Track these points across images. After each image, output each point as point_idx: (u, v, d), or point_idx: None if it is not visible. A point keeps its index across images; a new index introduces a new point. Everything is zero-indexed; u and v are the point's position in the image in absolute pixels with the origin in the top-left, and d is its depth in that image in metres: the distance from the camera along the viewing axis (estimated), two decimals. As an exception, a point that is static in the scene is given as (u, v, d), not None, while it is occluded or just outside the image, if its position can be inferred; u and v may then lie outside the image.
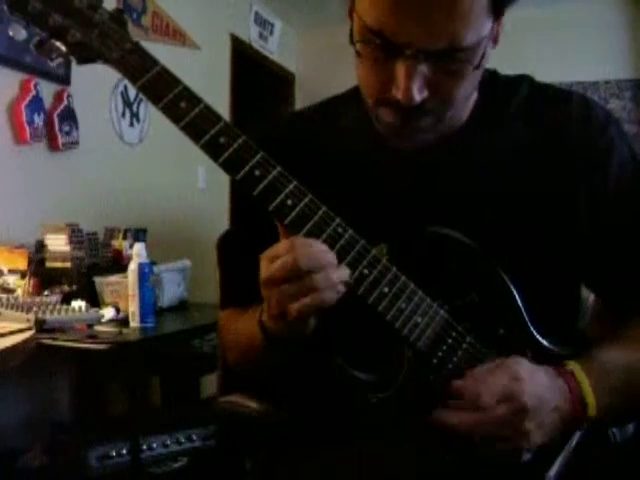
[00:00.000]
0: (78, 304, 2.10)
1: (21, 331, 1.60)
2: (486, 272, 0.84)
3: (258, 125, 1.00)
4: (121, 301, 2.20)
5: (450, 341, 0.82)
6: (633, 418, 0.88)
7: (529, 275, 0.84)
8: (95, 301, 2.25)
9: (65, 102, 2.59)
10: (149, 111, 3.14)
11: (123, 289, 2.18)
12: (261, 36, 4.45)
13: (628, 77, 4.34)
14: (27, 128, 2.40)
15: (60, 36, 0.76)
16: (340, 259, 0.76)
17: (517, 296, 0.84)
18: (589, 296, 1.00)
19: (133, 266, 2.10)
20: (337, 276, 0.74)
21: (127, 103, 3.06)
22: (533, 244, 0.87)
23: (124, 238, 2.59)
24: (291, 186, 0.76)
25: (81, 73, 2.61)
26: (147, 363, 2.48)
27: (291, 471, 0.98)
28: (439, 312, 0.81)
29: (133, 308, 2.09)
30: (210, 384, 2.70)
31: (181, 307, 2.59)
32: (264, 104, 4.58)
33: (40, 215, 2.43)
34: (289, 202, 0.76)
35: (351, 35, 0.81)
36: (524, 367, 0.78)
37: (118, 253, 2.53)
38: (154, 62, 0.77)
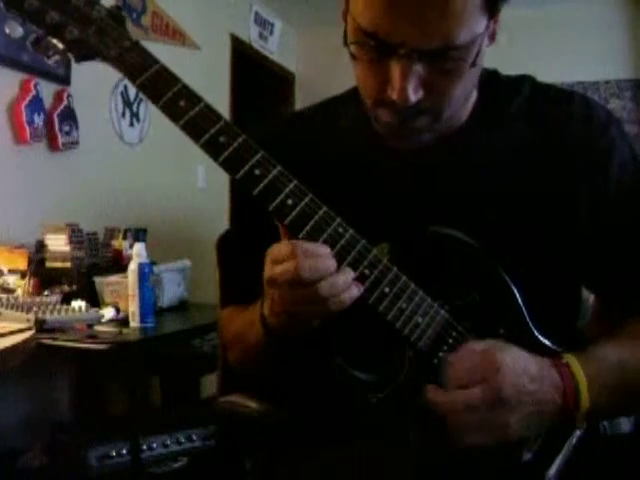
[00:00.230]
0: (78, 304, 2.10)
1: (21, 331, 1.60)
2: (487, 272, 0.84)
3: (258, 125, 1.00)
4: (121, 301, 2.20)
5: (451, 341, 0.81)
6: (625, 413, 0.88)
7: (530, 275, 0.84)
8: (95, 301, 2.25)
9: (65, 102, 2.59)
10: (149, 111, 3.14)
11: (123, 289, 2.18)
12: (261, 36, 4.45)
13: (628, 77, 4.34)
14: (27, 128, 2.40)
15: (57, 33, 0.75)
16: (341, 259, 0.76)
17: (518, 296, 0.84)
18: (589, 296, 1.00)
19: (133, 266, 2.10)
20: (343, 281, 0.74)
21: (127, 103, 3.06)
22: (534, 244, 0.87)
23: (124, 238, 2.59)
24: (291, 185, 0.76)
25: (81, 73, 2.61)
26: (147, 363, 2.48)
27: (291, 471, 0.98)
28: (440, 312, 0.81)
29: (133, 308, 2.09)
30: (210, 384, 2.70)
31: (181, 307, 2.59)
32: (264, 104, 4.58)
33: (40, 215, 2.43)
34: (289, 202, 0.76)
35: (345, 37, 0.81)
36: (509, 357, 0.77)
37: (118, 253, 2.53)
38: (153, 60, 0.77)
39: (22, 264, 2.20)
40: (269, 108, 4.63)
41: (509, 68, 0.97)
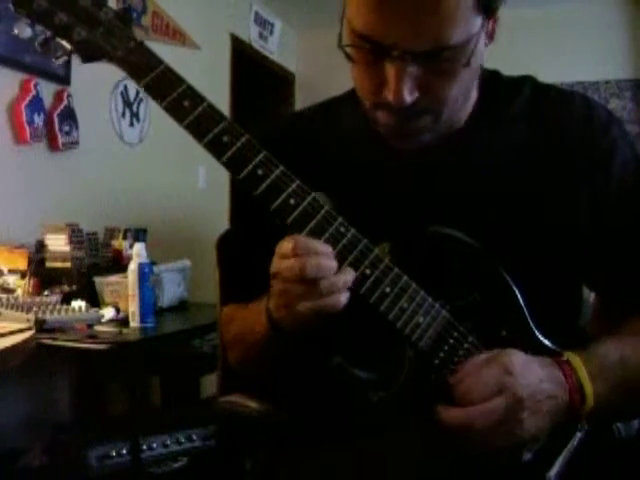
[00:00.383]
0: (78, 304, 2.10)
1: (21, 331, 1.60)
2: (488, 272, 0.84)
3: (259, 125, 1.00)
4: (121, 301, 2.20)
5: (452, 341, 0.81)
6: (629, 411, 0.88)
7: (531, 275, 0.84)
8: (95, 301, 2.25)
9: (65, 102, 2.59)
10: (149, 111, 3.14)
11: (123, 289, 2.18)
12: (261, 36, 4.45)
13: (628, 77, 4.34)
14: (27, 128, 2.40)
15: (65, 34, 0.76)
16: (342, 258, 0.76)
17: (519, 296, 0.84)
18: (590, 295, 1.00)
19: (133, 266, 2.10)
20: (343, 281, 0.75)
21: (127, 103, 3.06)
22: (535, 244, 0.87)
23: (124, 238, 2.59)
24: (294, 185, 0.76)
25: (81, 73, 2.61)
26: (147, 363, 2.48)
27: (291, 471, 0.98)
28: (441, 312, 0.81)
29: (133, 308, 2.09)
30: (210, 384, 2.70)
31: (181, 307, 2.59)
32: (264, 104, 4.58)
33: (40, 215, 2.43)
34: (291, 201, 0.76)
35: (340, 40, 0.81)
36: (517, 359, 0.78)
37: (118, 253, 2.53)
38: (158, 61, 0.78)
39: (22, 264, 2.20)
40: (269, 108, 4.63)
41: (509, 68, 0.97)
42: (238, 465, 1.50)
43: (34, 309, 1.94)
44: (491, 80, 0.93)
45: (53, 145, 2.57)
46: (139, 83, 0.77)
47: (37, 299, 2.06)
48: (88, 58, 0.78)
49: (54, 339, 1.88)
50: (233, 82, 4.04)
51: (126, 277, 2.14)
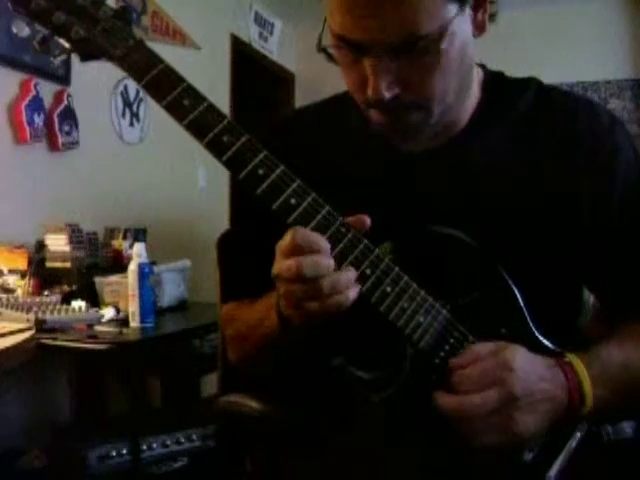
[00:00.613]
0: (78, 304, 2.10)
1: (21, 331, 1.60)
2: (487, 272, 0.84)
3: (260, 124, 1.00)
4: (121, 301, 2.20)
5: (452, 341, 0.81)
6: (628, 413, 0.88)
7: (532, 275, 0.85)
8: (95, 301, 2.25)
9: (65, 102, 2.59)
10: (149, 111, 3.14)
11: (123, 289, 2.18)
12: (261, 36, 4.45)
13: (628, 77, 4.34)
14: (27, 128, 2.40)
15: (63, 33, 0.76)
16: (343, 258, 0.76)
17: (519, 296, 0.84)
18: (590, 296, 1.00)
19: (133, 266, 2.10)
20: (345, 279, 0.75)
21: (127, 103, 3.06)
22: (536, 245, 0.87)
23: (124, 238, 2.59)
24: (294, 185, 0.76)
25: (81, 73, 2.61)
26: (147, 363, 2.48)
27: (291, 471, 0.98)
28: (441, 312, 0.81)
29: (133, 308, 2.09)
30: (210, 384, 2.70)
31: (181, 307, 2.59)
32: (264, 104, 4.58)
33: (40, 215, 2.43)
34: (292, 201, 0.76)
35: (319, 43, 0.82)
36: (520, 356, 0.78)
37: (118, 253, 2.53)
38: (158, 60, 0.77)
39: (22, 264, 2.20)
40: (269, 108, 4.63)
41: (509, 68, 0.97)
42: (238, 465, 1.50)
43: (34, 309, 1.94)
44: (495, 81, 0.93)
45: (53, 145, 2.57)
46: (139, 82, 0.76)
47: (37, 299, 2.06)
48: (87, 57, 0.78)
49: (54, 339, 1.88)
50: (233, 82, 4.04)
51: (126, 277, 2.14)
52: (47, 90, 2.53)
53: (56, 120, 2.54)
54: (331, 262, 0.74)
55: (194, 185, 3.60)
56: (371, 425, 0.86)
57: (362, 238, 0.77)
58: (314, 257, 0.73)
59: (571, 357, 0.82)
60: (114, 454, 2.10)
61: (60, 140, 2.56)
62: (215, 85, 3.69)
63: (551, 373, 0.79)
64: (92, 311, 2.11)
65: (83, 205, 2.67)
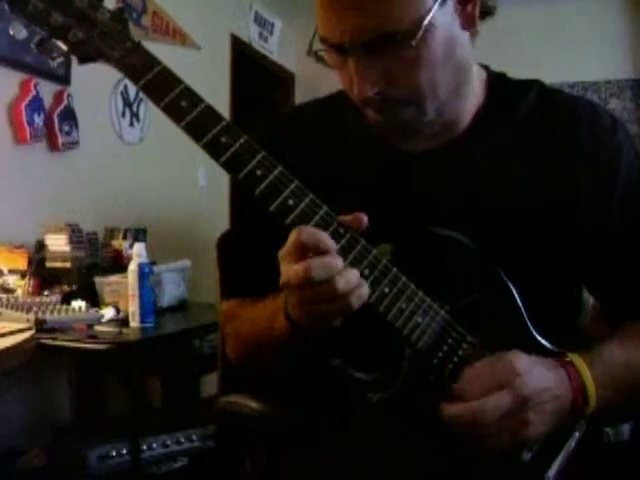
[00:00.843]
0: (78, 304, 2.10)
1: (21, 331, 1.60)
2: (486, 273, 0.85)
3: (259, 123, 1.00)
4: (121, 301, 2.20)
5: (450, 341, 0.82)
6: (629, 414, 0.88)
7: (531, 276, 0.85)
8: (95, 301, 2.25)
9: (65, 102, 2.59)
10: (149, 111, 3.14)
11: (123, 289, 2.18)
12: (261, 36, 4.45)
13: (628, 77, 4.34)
14: (27, 128, 2.40)
15: (61, 35, 0.76)
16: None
17: (516, 296, 0.84)
18: (589, 297, 1.00)
19: (133, 266, 2.10)
20: (355, 275, 0.74)
21: (127, 103, 3.06)
22: (536, 246, 0.87)
23: (124, 238, 2.59)
24: (292, 186, 0.76)
25: (81, 73, 2.61)
26: (147, 363, 2.48)
27: (291, 471, 0.98)
28: (439, 312, 0.81)
29: (133, 308, 2.09)
30: (210, 384, 2.70)
31: (181, 307, 2.59)
32: (264, 104, 4.57)
33: (40, 215, 2.43)
34: (290, 202, 0.76)
35: (310, 47, 0.84)
36: (522, 360, 0.78)
37: (118, 253, 2.53)
38: (155, 61, 0.77)
39: (22, 264, 2.20)
40: (269, 108, 4.63)
41: (508, 68, 0.98)
42: (238, 465, 1.50)
43: (34, 309, 1.94)
44: (498, 82, 0.94)
45: (53, 145, 2.57)
46: (136, 84, 0.76)
47: (37, 299, 2.06)
48: (85, 59, 0.78)
49: (54, 339, 1.88)
50: (233, 82, 4.04)
51: (126, 277, 2.14)
52: (47, 90, 2.53)
53: (56, 120, 2.54)
54: (340, 261, 0.73)
55: (194, 185, 3.60)
56: (370, 425, 0.86)
57: (360, 239, 0.77)
58: (322, 259, 0.72)
59: (573, 357, 0.82)
60: (114, 454, 2.10)
61: (60, 140, 2.56)
62: (215, 85, 3.69)
63: (554, 374, 0.80)
64: (92, 311, 2.11)
65: (83, 205, 2.67)
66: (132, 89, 3.04)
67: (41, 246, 2.32)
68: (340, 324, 0.77)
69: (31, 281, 2.17)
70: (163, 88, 0.76)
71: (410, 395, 0.81)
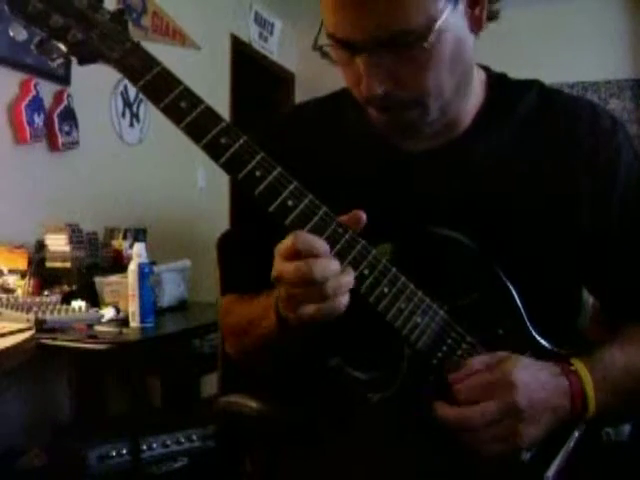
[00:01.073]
0: (78, 304, 2.10)
1: (21, 331, 1.60)
2: (485, 273, 0.85)
3: (259, 123, 1.00)
4: (121, 301, 2.20)
5: (450, 341, 0.82)
6: (630, 416, 0.88)
7: (530, 276, 0.85)
8: (95, 301, 2.25)
9: (65, 102, 2.59)
10: (149, 111, 3.14)
11: (123, 289, 2.18)
12: (261, 36, 4.45)
13: (628, 77, 4.34)
14: (27, 128, 2.40)
15: (60, 36, 0.76)
16: (341, 259, 0.76)
17: (516, 296, 0.84)
18: (590, 297, 1.00)
19: (133, 266, 2.10)
20: (346, 282, 0.74)
21: (127, 103, 3.06)
22: (535, 246, 0.87)
23: (124, 238, 2.59)
24: (291, 187, 0.76)
25: (81, 73, 2.61)
26: (147, 363, 2.48)
27: (291, 471, 0.99)
28: (439, 312, 0.81)
29: (133, 308, 2.09)
30: (210, 384, 2.70)
31: (181, 307, 2.59)
32: (264, 104, 4.57)
33: (40, 215, 2.43)
34: (289, 203, 0.76)
35: (315, 42, 0.83)
36: (522, 371, 0.78)
37: (118, 253, 2.53)
38: (154, 62, 0.77)
39: (22, 264, 2.20)
40: (269, 108, 4.63)
41: (508, 68, 0.98)
42: (238, 465, 1.50)
43: (34, 309, 1.94)
44: (498, 83, 0.94)
45: (53, 145, 2.57)
46: (135, 84, 0.77)
47: (37, 299, 2.06)
48: (84, 60, 0.78)
49: (54, 339, 1.88)
50: (233, 82, 4.04)
51: (126, 277, 2.14)
52: (47, 90, 2.53)
53: (56, 120, 2.54)
54: (338, 266, 0.74)
55: (194, 185, 3.60)
56: (369, 425, 0.86)
57: (359, 239, 0.77)
58: (323, 261, 0.72)
59: (575, 362, 0.82)
60: (114, 454, 2.10)
61: (60, 140, 2.57)
62: (215, 85, 3.69)
63: (554, 381, 0.80)
64: (92, 311, 2.11)
65: (83, 205, 2.67)
66: (132, 89, 3.04)
67: (41, 246, 2.32)
68: (330, 321, 0.77)
69: (31, 281, 2.17)
70: (162, 89, 0.76)
71: (409, 395, 0.81)
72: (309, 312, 0.74)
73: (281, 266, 0.74)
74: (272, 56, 4.63)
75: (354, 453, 0.88)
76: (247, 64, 4.24)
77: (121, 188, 2.96)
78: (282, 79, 4.85)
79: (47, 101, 2.53)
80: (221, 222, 2.99)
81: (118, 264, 2.46)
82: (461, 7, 0.79)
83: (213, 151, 0.76)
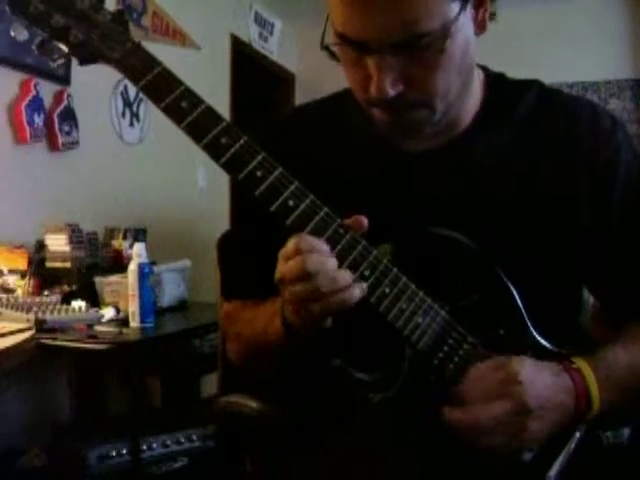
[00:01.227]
0: (78, 304, 2.10)
1: (21, 331, 1.60)
2: (485, 273, 0.85)
3: (260, 123, 1.00)
4: (121, 301, 2.20)
5: (451, 341, 0.82)
6: (633, 415, 0.88)
7: (531, 276, 0.85)
8: (95, 301, 2.25)
9: (65, 102, 2.59)
10: (149, 111, 3.14)
11: (123, 289, 2.18)
12: (261, 36, 4.45)
13: (628, 77, 4.34)
14: (27, 128, 2.40)
15: (62, 37, 0.76)
16: (341, 260, 0.76)
17: (517, 296, 0.85)
18: (590, 297, 1.00)
19: (133, 266, 2.10)
20: (342, 277, 0.74)
21: (127, 103, 3.06)
22: (536, 246, 0.87)
23: (124, 238, 2.59)
24: (292, 187, 0.76)
25: (81, 73, 2.61)
26: (147, 363, 2.48)
27: (291, 471, 0.99)
28: (440, 313, 0.81)
29: (133, 308, 2.09)
30: (210, 384, 2.70)
31: (181, 307, 2.59)
32: (264, 104, 4.57)
33: (40, 215, 2.43)
34: (290, 203, 0.76)
35: (322, 41, 0.82)
36: (527, 367, 0.79)
37: (118, 253, 2.53)
38: (155, 62, 0.77)
39: (22, 264, 2.20)
40: (269, 108, 4.63)
41: (508, 68, 0.98)
42: (238, 465, 1.50)
43: (34, 309, 1.94)
44: (497, 82, 0.94)
45: (53, 145, 2.57)
46: (136, 84, 0.77)
47: (37, 299, 2.06)
48: (85, 60, 0.78)
49: (54, 339, 1.88)
50: (233, 82, 4.04)
51: (126, 277, 2.14)
52: (47, 90, 2.53)
53: (56, 120, 2.54)
54: (334, 261, 0.74)
55: (194, 185, 3.60)
56: (371, 425, 0.86)
57: (360, 239, 0.77)
58: (317, 255, 0.73)
59: (578, 361, 0.82)
60: (114, 454, 2.10)
61: (60, 140, 2.56)
62: (215, 85, 3.69)
63: (558, 380, 0.80)
64: (92, 311, 2.11)
65: (83, 205, 2.67)
66: (132, 89, 3.04)
67: (41, 246, 2.32)
68: (330, 325, 0.77)
69: (31, 281, 2.17)
70: (163, 89, 0.76)
71: (411, 395, 0.81)
72: (311, 311, 0.74)
73: (282, 267, 0.75)
74: (272, 56, 4.63)
75: (355, 453, 0.88)
76: (247, 64, 4.24)
77: (121, 188, 2.96)
78: (282, 79, 4.85)
79: (47, 101, 2.53)
80: (221, 222, 2.99)
81: (118, 264, 2.46)
82: (468, 10, 0.80)
83: (214, 151, 0.76)
